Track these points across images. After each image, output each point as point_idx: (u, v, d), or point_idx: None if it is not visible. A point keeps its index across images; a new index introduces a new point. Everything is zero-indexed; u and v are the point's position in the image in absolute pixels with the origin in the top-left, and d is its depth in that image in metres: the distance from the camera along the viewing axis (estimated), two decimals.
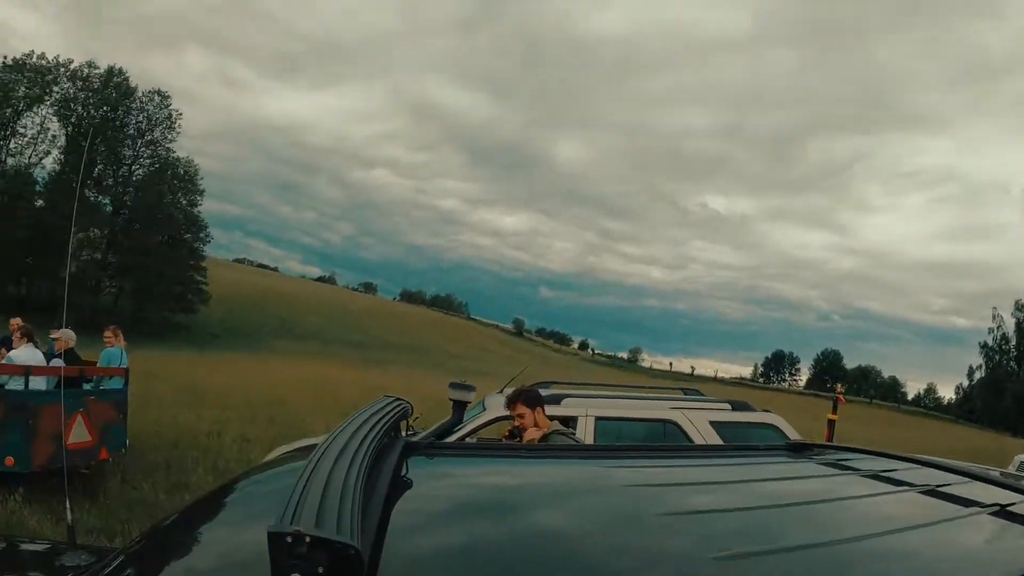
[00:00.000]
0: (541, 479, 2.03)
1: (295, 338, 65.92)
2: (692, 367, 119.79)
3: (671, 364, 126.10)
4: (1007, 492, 2.03)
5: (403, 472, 1.74)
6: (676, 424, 7.01)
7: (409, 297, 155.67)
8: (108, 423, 9.44)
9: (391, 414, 1.96)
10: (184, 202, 64.82)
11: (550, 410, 6.22)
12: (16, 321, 11.18)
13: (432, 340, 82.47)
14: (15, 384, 8.61)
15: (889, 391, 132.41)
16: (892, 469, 2.38)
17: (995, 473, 2.95)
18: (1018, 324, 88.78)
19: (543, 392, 6.65)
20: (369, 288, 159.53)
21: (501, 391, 7.63)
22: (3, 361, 9.13)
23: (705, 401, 7.84)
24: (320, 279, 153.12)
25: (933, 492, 2.07)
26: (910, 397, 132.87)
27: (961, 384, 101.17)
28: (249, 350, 53.68)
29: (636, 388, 9.76)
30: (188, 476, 10.58)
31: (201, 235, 67.03)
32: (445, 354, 72.50)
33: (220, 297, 67.03)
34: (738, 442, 6.66)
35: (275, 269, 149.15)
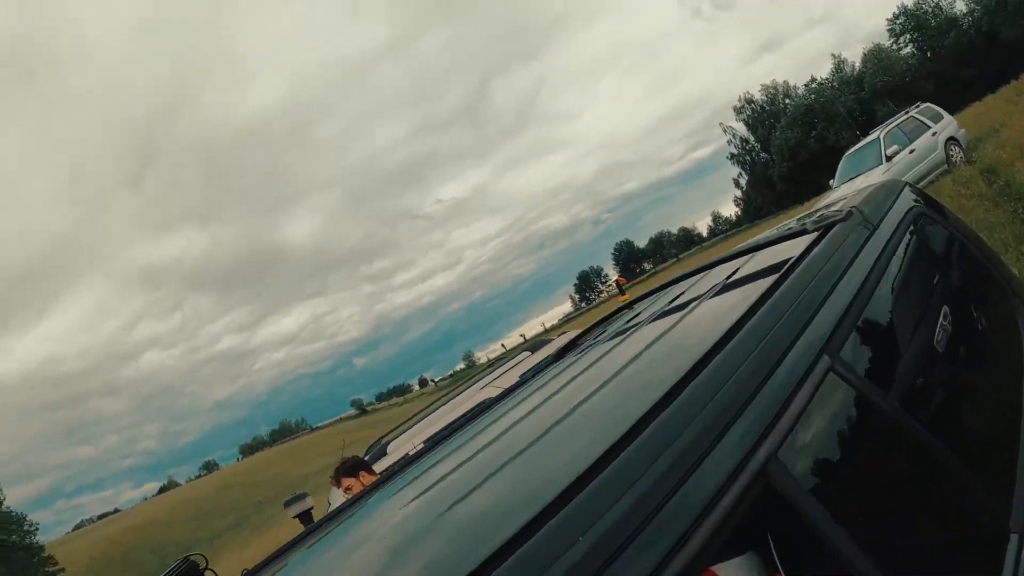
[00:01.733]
0: (343, 536, 2.21)
1: (164, 566, 63.69)
2: (522, 335, 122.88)
3: (503, 345, 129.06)
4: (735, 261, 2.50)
5: None
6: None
7: (250, 450, 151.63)
8: None
9: None
10: None
11: (381, 463, 6.58)
12: None
13: (293, 473, 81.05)
14: None
15: (687, 240, 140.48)
16: (634, 316, 2.84)
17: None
18: (746, 123, 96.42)
19: (373, 453, 6.85)
20: (210, 467, 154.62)
21: (330, 481, 7.25)
22: None
23: (508, 363, 7.82)
24: (162, 490, 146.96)
25: (666, 309, 2.40)
26: (705, 234, 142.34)
27: (736, 196, 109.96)
28: None
29: (445, 392, 9.51)
30: None
31: (25, 528, 62.62)
32: (315, 475, 72.01)
33: (86, 569, 64.22)
34: None
35: (116, 511, 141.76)
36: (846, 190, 12.90)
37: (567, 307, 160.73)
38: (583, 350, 2.77)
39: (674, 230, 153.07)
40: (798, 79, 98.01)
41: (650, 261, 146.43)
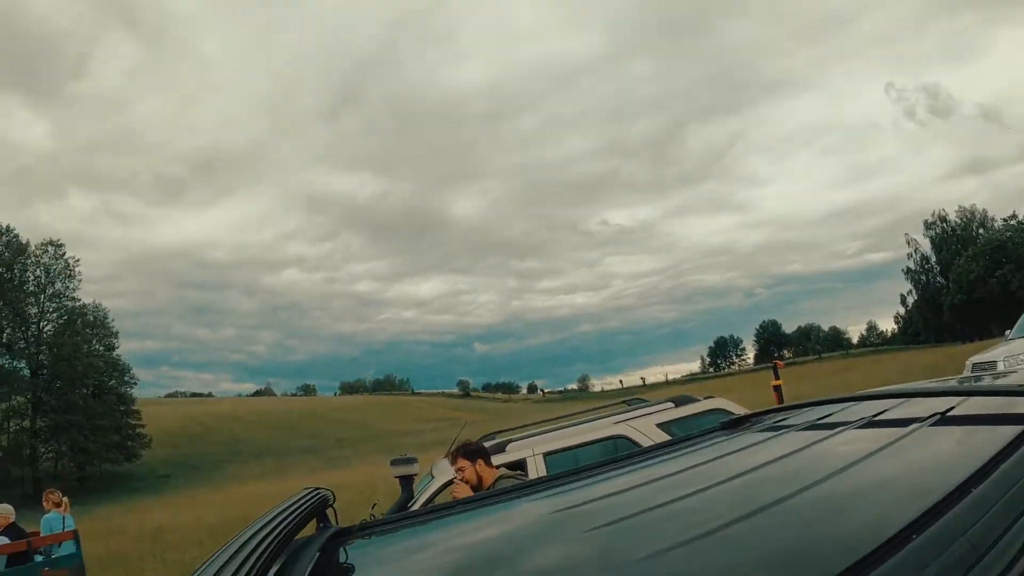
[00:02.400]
0: (480, 527, 2.01)
1: (248, 459, 64.47)
2: (642, 378, 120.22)
3: (621, 381, 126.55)
4: (943, 399, 2.07)
5: (328, 562, 1.69)
6: (625, 437, 6.98)
7: (350, 389, 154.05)
8: None
9: (305, 506, 1.91)
10: (101, 348, 63.23)
11: (498, 459, 6.36)
12: None
13: (382, 426, 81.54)
14: None
15: (834, 342, 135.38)
16: (827, 415, 2.39)
17: (951, 382, 3.01)
18: (932, 241, 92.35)
19: (488, 444, 6.70)
20: (308, 390, 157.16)
21: (446, 455, 7.54)
22: None
23: (648, 406, 7.79)
24: (257, 393, 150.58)
25: (870, 423, 2.09)
26: (855, 341, 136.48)
27: (898, 313, 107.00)
28: (203, 482, 52.49)
29: (578, 414, 9.52)
30: None
31: (126, 378, 65.35)
32: (398, 435, 71.67)
33: (161, 436, 65.57)
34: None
35: (209, 395, 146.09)
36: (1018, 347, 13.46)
37: (694, 366, 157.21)
38: (772, 431, 2.43)
39: (825, 327, 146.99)
40: (998, 210, 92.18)
41: (791, 349, 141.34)
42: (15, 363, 61.40)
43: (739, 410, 6.97)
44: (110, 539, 19.45)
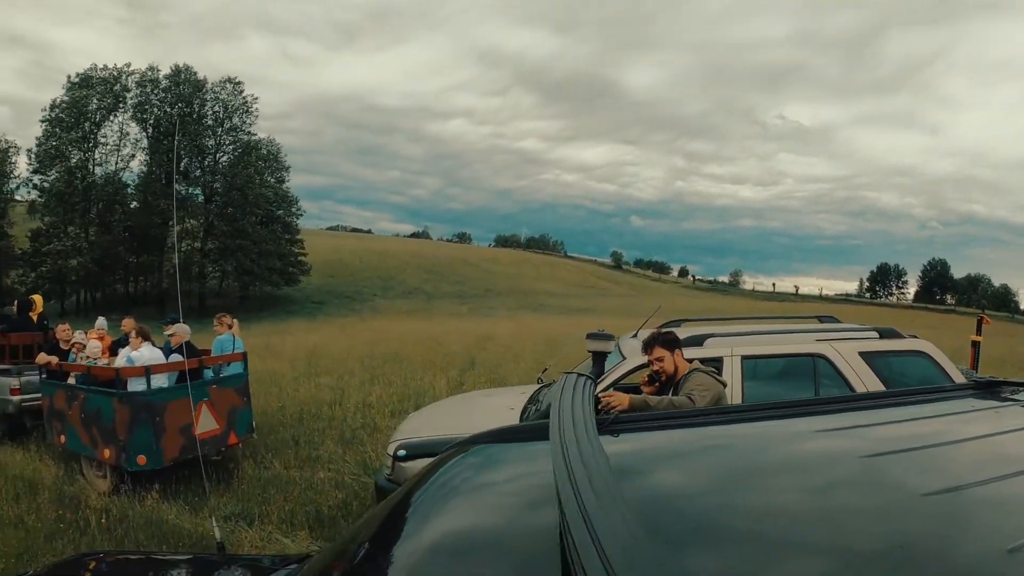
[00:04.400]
0: (751, 438, 1.93)
1: (398, 296, 66.56)
2: (796, 287, 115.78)
3: (774, 285, 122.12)
4: None
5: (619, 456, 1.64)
6: (825, 358, 6.69)
7: (504, 242, 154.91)
8: (233, 409, 9.70)
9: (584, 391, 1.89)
10: (272, 180, 66.09)
11: (692, 352, 6.13)
12: (129, 321, 11.42)
13: (532, 282, 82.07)
14: (137, 384, 8.82)
15: (1001, 300, 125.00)
16: None
17: None
18: None
19: (661, 331, 6.28)
20: (463, 238, 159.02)
21: (635, 334, 7.53)
22: (123, 363, 9.29)
23: (850, 330, 7.44)
24: (414, 235, 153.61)
25: None
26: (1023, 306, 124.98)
27: None
28: (355, 313, 54.66)
29: (770, 320, 9.36)
30: (317, 449, 10.80)
31: (293, 209, 68.35)
32: (546, 294, 72.30)
33: (320, 266, 68.22)
34: (890, 374, 6.59)
35: (368, 231, 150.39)
36: None
37: (850, 287, 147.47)
38: None
39: (996, 282, 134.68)
40: None
41: (954, 297, 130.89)
42: (191, 190, 65.80)
43: (944, 360, 6.75)
44: (267, 357, 20.54)
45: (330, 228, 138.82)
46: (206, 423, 9.19)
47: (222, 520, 7.69)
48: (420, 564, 1.46)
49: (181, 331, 10.11)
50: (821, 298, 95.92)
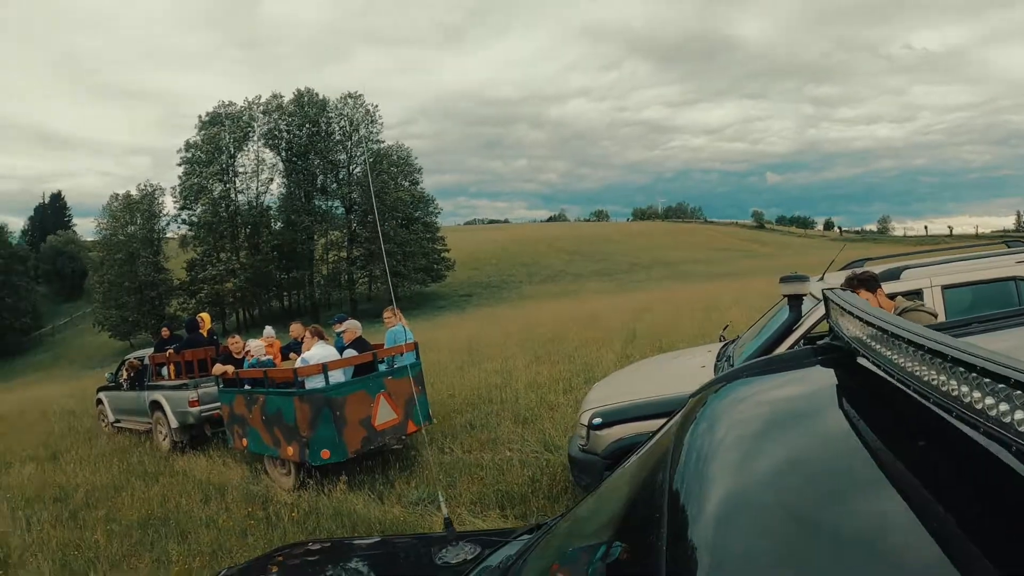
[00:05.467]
0: None
1: (543, 281, 66.75)
2: (949, 227, 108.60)
3: (926, 228, 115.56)
4: None
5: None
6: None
7: (642, 215, 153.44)
8: (410, 398, 9.65)
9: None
10: (406, 184, 67.62)
11: (890, 286, 5.95)
12: (297, 327, 11.81)
13: (675, 252, 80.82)
14: (316, 382, 8.91)
15: None
16: None
17: None
18: None
19: (859, 271, 5.99)
20: (601, 216, 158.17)
21: (821, 277, 7.10)
22: (299, 364, 9.42)
23: None
24: (551, 219, 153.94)
25: None
26: None
27: None
28: (503, 302, 55.05)
29: (954, 249, 8.84)
30: (494, 431, 10.69)
31: (430, 209, 69.91)
32: (691, 262, 71.04)
33: (463, 260, 69.23)
34: None
35: (505, 221, 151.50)
36: None
37: (1007, 222, 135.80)
38: None
39: None
40: None
41: None
42: (329, 203, 69.01)
43: None
44: (427, 351, 20.72)
45: (467, 223, 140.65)
46: (385, 414, 9.27)
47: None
48: (742, 495, 1.40)
49: (352, 327, 10.25)
50: (977, 236, 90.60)
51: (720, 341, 8.53)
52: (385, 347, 10.30)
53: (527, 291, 61.40)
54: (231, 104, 66.75)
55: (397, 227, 64.49)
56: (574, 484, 7.04)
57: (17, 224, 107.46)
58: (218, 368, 11.06)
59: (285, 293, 66.80)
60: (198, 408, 12.21)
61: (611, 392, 7.32)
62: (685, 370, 7.51)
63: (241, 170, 66.94)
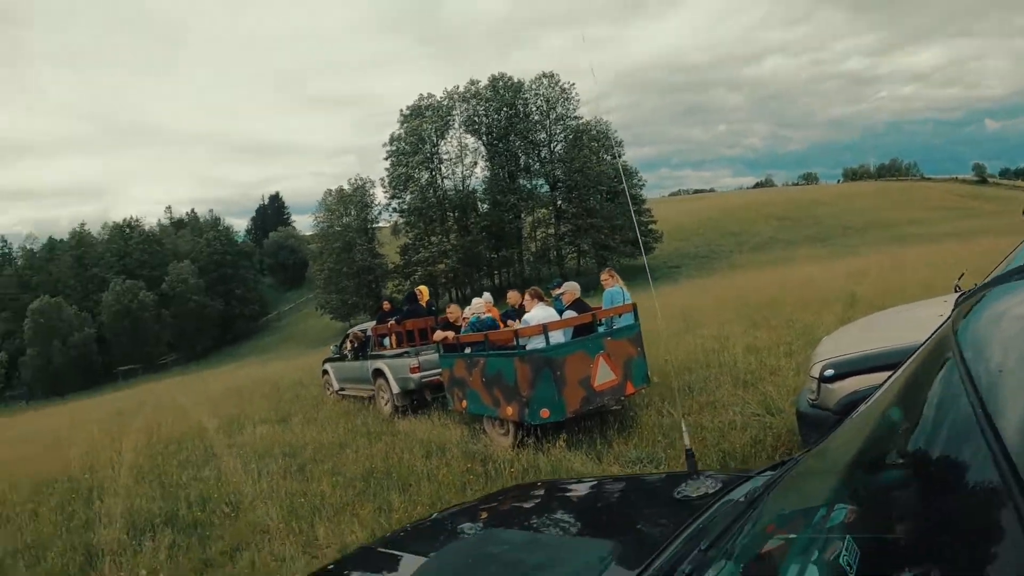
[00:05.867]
0: None
1: (753, 249, 65.19)
2: None
3: None
4: None
5: None
6: None
7: (852, 175, 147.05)
8: (628, 359, 9.58)
9: None
10: (608, 157, 67.37)
11: None
12: (514, 294, 12.01)
13: (890, 213, 76.53)
14: (536, 342, 8.94)
15: None
16: None
17: None
18: None
19: None
20: (809, 179, 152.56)
21: None
22: (519, 325, 9.53)
23: None
24: (757, 185, 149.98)
25: None
26: None
27: None
28: (711, 272, 54.09)
29: None
30: (713, 394, 10.45)
31: (634, 181, 69.82)
32: (908, 223, 67.23)
33: (670, 231, 68.68)
34: None
35: (711, 190, 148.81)
36: None
37: None
38: None
39: None
40: None
41: None
42: (533, 182, 71.19)
43: None
44: (641, 319, 20.55)
45: (672, 195, 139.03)
46: (604, 374, 9.17)
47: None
48: None
49: (571, 288, 10.32)
50: None
51: (955, 291, 7.98)
52: (603, 308, 10.23)
53: (737, 260, 60.09)
54: (431, 96, 70.00)
55: (603, 201, 64.75)
56: (801, 443, 6.75)
57: (240, 225, 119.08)
58: (439, 334, 11.46)
59: (495, 271, 68.65)
60: (419, 374, 12.76)
61: (843, 344, 6.93)
62: (924, 319, 7.06)
63: (445, 157, 70.04)
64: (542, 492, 3.66)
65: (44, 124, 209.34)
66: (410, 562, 2.70)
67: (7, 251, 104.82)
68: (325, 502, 8.13)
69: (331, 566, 3.19)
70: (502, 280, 68.78)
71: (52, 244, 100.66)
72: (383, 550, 3.13)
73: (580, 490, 3.59)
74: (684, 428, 2.75)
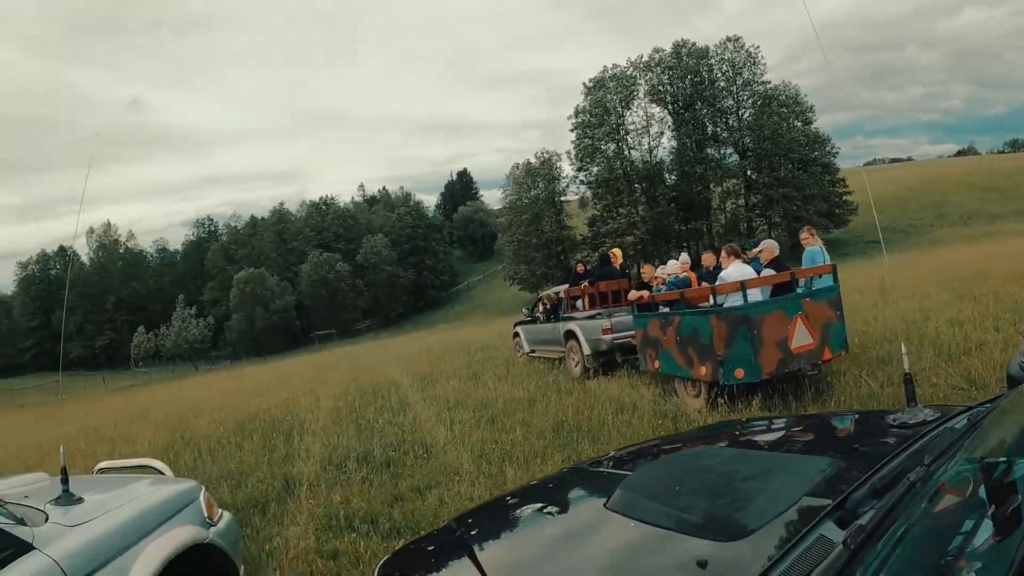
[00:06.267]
0: None
1: (956, 223, 61.35)
2: None
3: None
4: None
5: None
6: None
7: None
8: (827, 323, 9.30)
9: None
10: (799, 124, 64.97)
11: None
12: (709, 255, 11.93)
13: None
14: (734, 300, 8.87)
15: None
16: None
17: None
18: None
19: None
20: (1016, 146, 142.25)
21: None
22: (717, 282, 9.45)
23: None
24: (959, 153, 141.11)
25: None
26: None
27: None
28: (910, 246, 51.61)
29: None
30: (914, 366, 10.06)
31: (827, 149, 66.42)
32: None
33: (866, 203, 65.69)
34: None
35: (908, 159, 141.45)
36: None
37: None
38: None
39: None
40: None
41: None
42: (722, 151, 69.13)
43: None
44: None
45: (867, 164, 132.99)
46: (801, 337, 8.95)
47: None
48: None
49: (769, 247, 10.20)
50: None
51: None
52: (803, 267, 10.04)
53: (938, 235, 56.82)
54: (615, 67, 69.49)
55: (794, 170, 62.73)
56: None
57: (430, 201, 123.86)
58: (634, 294, 11.58)
59: (684, 244, 67.90)
60: (610, 336, 12.84)
61: None
62: None
63: (631, 127, 69.12)
64: (752, 425, 3.70)
65: (240, 117, 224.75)
66: (620, 477, 2.82)
67: (213, 229, 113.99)
68: (515, 449, 8.45)
69: (546, 479, 3.36)
70: (690, 251, 67.56)
71: (254, 221, 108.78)
72: (593, 468, 3.28)
73: (788, 423, 3.61)
74: (904, 351, 2.73)
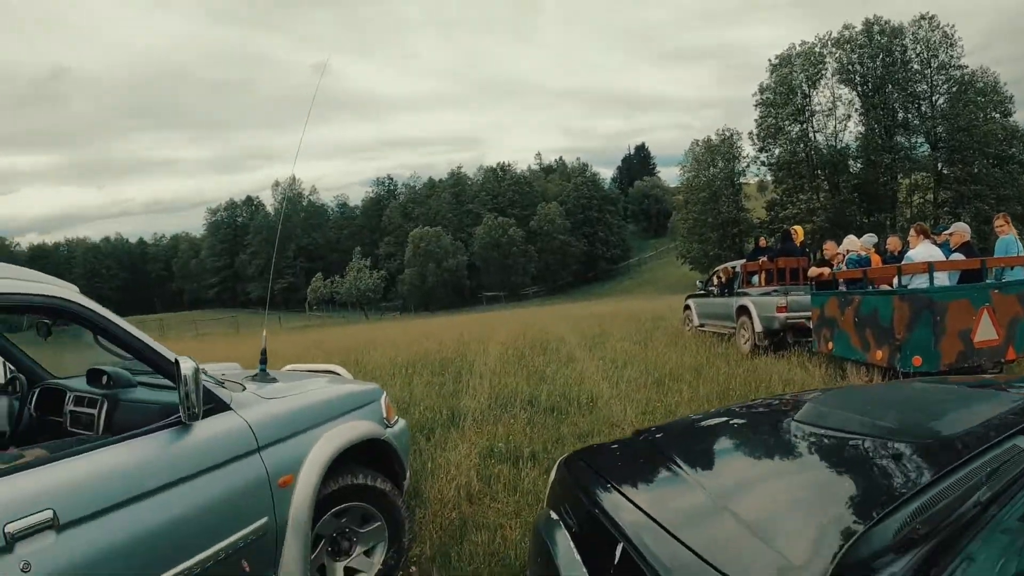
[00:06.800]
0: None
1: None
2: None
3: None
4: None
5: None
6: None
7: None
8: (1015, 319, 8.72)
9: None
10: (996, 116, 60.15)
11: None
12: (894, 239, 11.59)
13: None
14: (919, 282, 8.65)
15: None
16: None
17: None
18: None
19: None
20: None
21: None
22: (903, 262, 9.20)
23: None
24: None
25: None
26: None
27: None
28: None
29: None
30: None
31: None
32: None
33: None
34: None
35: None
36: None
37: None
38: None
39: None
40: None
41: None
42: (912, 140, 64.19)
43: None
44: None
45: None
46: (985, 330, 8.50)
47: None
48: None
49: (960, 230, 9.91)
50: None
51: None
52: (994, 256, 9.59)
53: None
54: (803, 43, 66.10)
55: (989, 166, 58.73)
56: None
57: (606, 174, 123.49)
58: (814, 270, 11.47)
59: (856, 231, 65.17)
60: (784, 314, 12.64)
61: None
62: None
63: (818, 108, 65.90)
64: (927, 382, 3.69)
65: (422, 83, 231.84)
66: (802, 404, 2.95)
67: (392, 187, 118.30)
68: (679, 409, 8.61)
69: (723, 407, 3.52)
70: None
71: (432, 183, 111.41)
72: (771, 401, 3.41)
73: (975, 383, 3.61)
74: None
